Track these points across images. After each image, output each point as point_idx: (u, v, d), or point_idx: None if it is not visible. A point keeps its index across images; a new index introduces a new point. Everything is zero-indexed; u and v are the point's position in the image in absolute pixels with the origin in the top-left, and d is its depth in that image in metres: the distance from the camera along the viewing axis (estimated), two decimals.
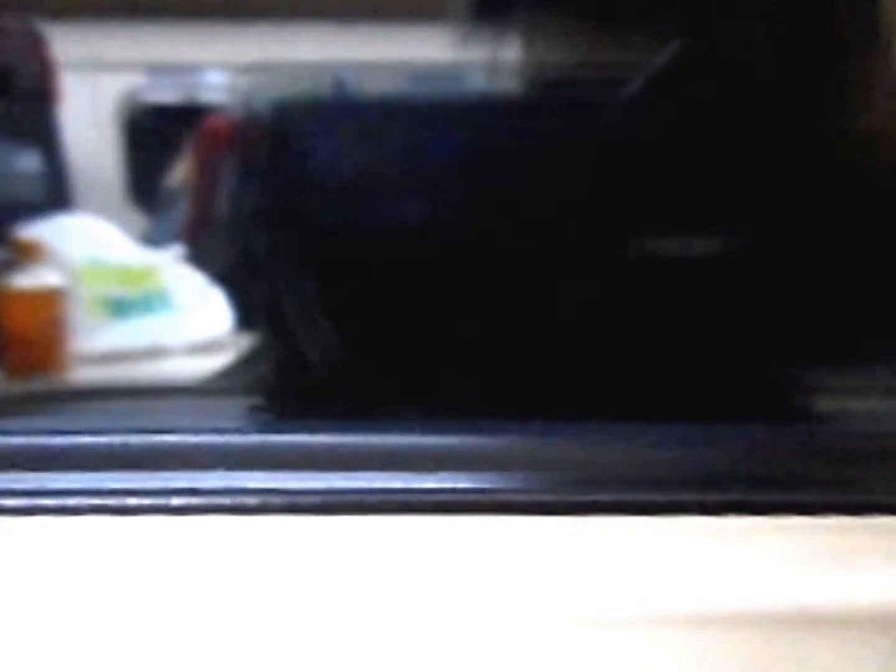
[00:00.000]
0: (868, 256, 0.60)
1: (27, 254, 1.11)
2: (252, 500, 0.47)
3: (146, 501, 0.48)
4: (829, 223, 0.60)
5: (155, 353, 1.20)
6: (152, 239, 1.41)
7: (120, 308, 1.22)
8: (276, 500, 0.47)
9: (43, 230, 1.18)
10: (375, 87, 0.62)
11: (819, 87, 0.61)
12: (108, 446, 0.50)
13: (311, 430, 0.52)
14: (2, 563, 0.46)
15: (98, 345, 1.17)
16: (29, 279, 1.10)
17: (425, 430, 0.52)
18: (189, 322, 1.24)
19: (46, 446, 0.51)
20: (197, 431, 0.52)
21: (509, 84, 0.65)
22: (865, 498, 0.48)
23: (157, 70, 1.74)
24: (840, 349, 0.61)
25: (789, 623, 0.45)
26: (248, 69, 0.63)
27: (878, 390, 0.61)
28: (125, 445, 0.51)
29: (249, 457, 0.50)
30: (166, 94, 1.75)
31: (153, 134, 1.73)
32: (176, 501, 0.47)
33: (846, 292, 0.60)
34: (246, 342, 0.95)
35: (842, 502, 0.47)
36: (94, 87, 1.67)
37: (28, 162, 1.47)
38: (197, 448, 0.50)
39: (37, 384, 1.05)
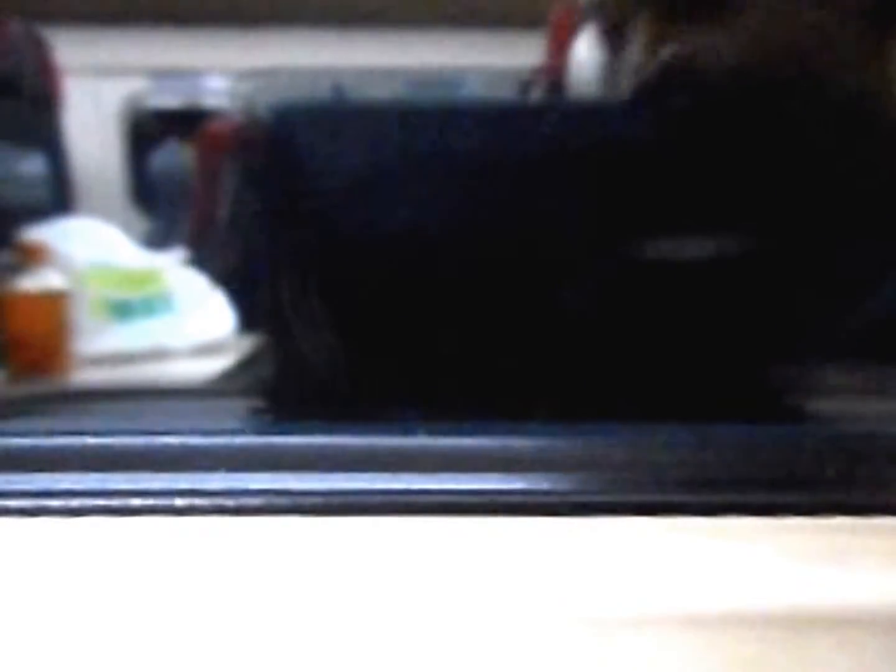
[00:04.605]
0: (868, 257, 0.60)
1: (31, 256, 1.11)
2: (255, 501, 0.48)
3: (149, 502, 0.48)
4: (827, 224, 0.60)
5: (157, 354, 1.20)
6: (154, 242, 1.41)
7: (123, 310, 1.22)
8: (278, 501, 0.48)
9: (46, 233, 1.18)
10: (375, 92, 0.62)
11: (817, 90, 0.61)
12: (111, 448, 0.51)
13: (314, 432, 0.52)
14: (5, 565, 0.46)
15: (101, 347, 1.17)
16: (32, 282, 1.10)
17: (428, 432, 0.52)
18: (191, 324, 1.24)
19: (49, 447, 0.51)
20: (200, 433, 0.52)
21: (507, 88, 0.66)
22: (865, 498, 0.48)
23: (159, 75, 1.74)
24: (838, 349, 0.61)
25: (787, 624, 0.44)
26: (250, 74, 0.63)
27: (876, 390, 0.61)
28: (128, 447, 0.51)
29: (252, 458, 0.50)
30: (168, 98, 1.75)
31: (155, 138, 1.73)
32: (179, 502, 0.48)
33: (845, 293, 0.60)
34: (248, 344, 0.96)
35: (841, 502, 0.47)
36: (97, 91, 1.68)
37: (31, 166, 1.48)
38: (200, 449, 0.50)
39: (40, 386, 1.06)
